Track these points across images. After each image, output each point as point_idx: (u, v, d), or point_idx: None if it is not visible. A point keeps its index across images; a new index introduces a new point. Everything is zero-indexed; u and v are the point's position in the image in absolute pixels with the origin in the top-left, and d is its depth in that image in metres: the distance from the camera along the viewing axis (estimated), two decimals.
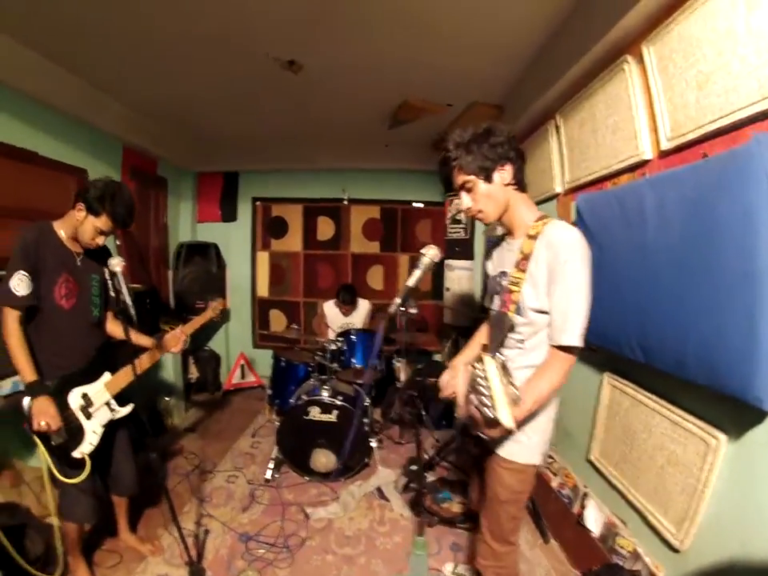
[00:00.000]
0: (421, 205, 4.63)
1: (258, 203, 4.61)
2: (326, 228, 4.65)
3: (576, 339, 1.21)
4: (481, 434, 1.23)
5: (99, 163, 2.98)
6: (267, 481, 2.95)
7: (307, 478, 2.96)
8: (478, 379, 1.09)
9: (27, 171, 2.46)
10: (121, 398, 1.89)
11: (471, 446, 1.68)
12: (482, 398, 1.08)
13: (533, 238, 1.30)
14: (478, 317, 3.52)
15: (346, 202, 4.59)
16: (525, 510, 1.59)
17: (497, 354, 1.24)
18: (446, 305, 4.21)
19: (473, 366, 1.12)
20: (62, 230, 1.76)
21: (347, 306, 3.88)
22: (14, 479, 2.28)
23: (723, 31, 1.32)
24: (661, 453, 1.64)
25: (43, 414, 1.61)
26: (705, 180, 1.31)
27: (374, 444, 3.03)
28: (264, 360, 4.59)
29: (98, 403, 1.81)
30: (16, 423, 1.90)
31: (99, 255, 1.87)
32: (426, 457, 3.16)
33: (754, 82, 1.22)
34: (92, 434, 1.77)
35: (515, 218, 1.37)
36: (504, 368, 1.11)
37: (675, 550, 1.53)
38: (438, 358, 4.46)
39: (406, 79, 2.64)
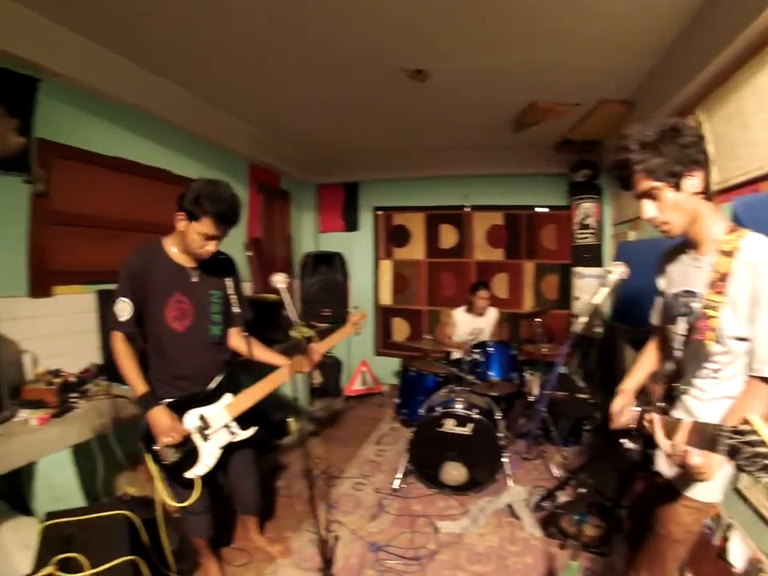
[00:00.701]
0: (545, 209, 4.63)
1: (379, 212, 4.97)
2: (448, 236, 4.85)
3: None
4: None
5: (229, 179, 3.26)
6: (395, 490, 3.11)
7: (435, 490, 3.08)
8: (746, 439, 0.92)
9: (163, 189, 2.78)
10: (245, 419, 1.92)
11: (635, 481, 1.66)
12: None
13: (728, 255, 1.22)
14: (616, 327, 3.42)
15: (468, 209, 4.74)
16: None
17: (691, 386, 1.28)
18: (576, 314, 4.15)
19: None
20: (171, 246, 1.76)
21: (484, 293, 3.92)
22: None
23: None
24: None
25: (162, 428, 1.67)
26: None
27: (505, 459, 3.07)
28: (384, 367, 4.95)
29: (216, 425, 1.83)
30: None
31: (219, 268, 1.87)
32: (556, 475, 3.20)
33: None
34: (208, 456, 1.81)
35: (703, 230, 1.28)
36: None
37: None
38: (562, 370, 4.39)
39: (532, 81, 2.71)
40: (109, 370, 2.33)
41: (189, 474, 1.78)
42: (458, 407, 3.03)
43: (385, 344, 5.13)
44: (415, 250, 4.92)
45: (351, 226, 4.97)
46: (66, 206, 2.28)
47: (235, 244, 3.52)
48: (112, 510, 1.72)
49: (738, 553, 1.99)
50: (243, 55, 2.45)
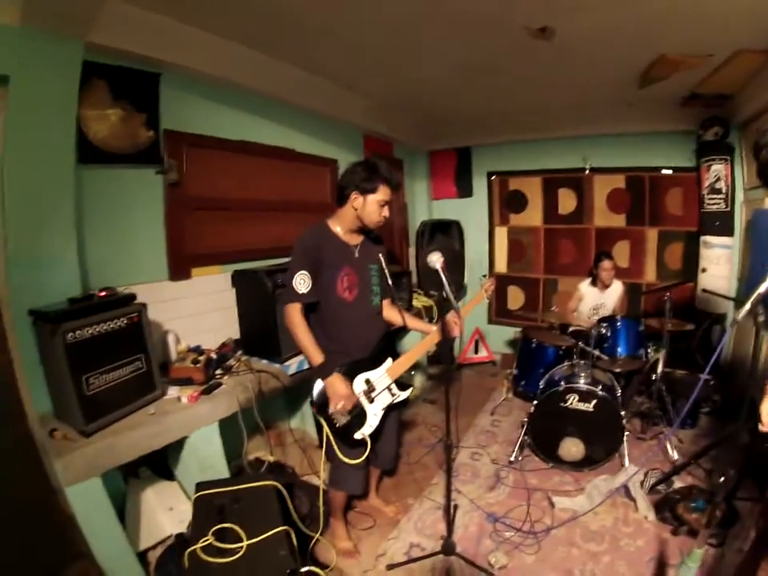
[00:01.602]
0: (670, 171, 3.97)
1: (493, 177, 4.60)
2: (567, 201, 4.37)
3: None
4: None
5: (345, 152, 3.36)
6: (511, 462, 3.02)
7: (551, 464, 2.94)
8: None
9: (288, 168, 2.84)
10: (399, 383, 2.03)
11: None
12: None
13: None
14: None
15: (587, 172, 4.21)
16: None
17: None
18: (702, 287, 3.65)
19: None
20: (337, 226, 1.86)
21: (609, 263, 3.60)
22: (278, 439, 2.66)
23: None
24: None
25: (338, 395, 1.77)
26: None
27: (625, 439, 2.82)
28: (497, 336, 4.73)
29: (379, 388, 1.94)
30: (287, 396, 2.36)
31: (374, 245, 1.98)
32: (672, 458, 2.91)
33: None
34: (373, 416, 1.92)
35: None
36: None
37: None
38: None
39: (661, 33, 2.30)
40: (246, 344, 2.44)
41: (357, 435, 1.87)
42: (582, 382, 2.85)
43: (499, 312, 4.87)
44: (532, 216, 4.50)
45: (465, 192, 4.67)
46: (197, 192, 2.33)
47: None
48: (260, 481, 1.75)
49: None
50: (366, 24, 2.25)
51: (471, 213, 4.70)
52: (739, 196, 3.66)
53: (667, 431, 3.22)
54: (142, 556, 1.84)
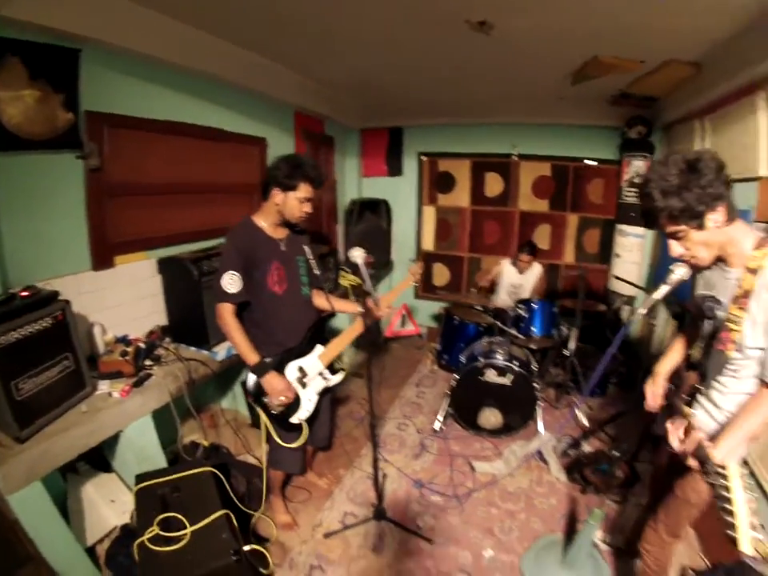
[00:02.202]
0: (594, 162, 4.31)
1: (423, 158, 4.71)
2: (494, 184, 4.60)
3: None
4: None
5: (276, 130, 3.28)
6: (435, 431, 3.28)
7: (472, 432, 3.23)
8: (719, 491, 1.14)
9: (216, 148, 2.70)
10: (332, 365, 2.15)
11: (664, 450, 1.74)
12: (725, 510, 1.13)
13: (753, 272, 1.26)
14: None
15: (515, 158, 4.45)
16: None
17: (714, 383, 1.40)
18: (614, 273, 4.06)
19: (718, 474, 1.15)
20: (262, 221, 1.91)
21: (527, 257, 3.93)
22: (211, 420, 2.72)
23: None
24: None
25: (276, 390, 1.86)
26: None
27: (538, 408, 3.17)
28: (423, 310, 4.95)
29: (312, 374, 2.04)
30: (217, 378, 2.39)
31: (299, 238, 2.05)
32: (582, 424, 3.30)
33: None
34: (308, 401, 2.02)
35: (729, 247, 1.32)
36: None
37: None
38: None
39: (597, 37, 2.44)
40: (174, 330, 2.41)
41: (294, 420, 1.98)
42: (499, 358, 3.10)
43: (425, 288, 5.11)
44: (460, 197, 4.71)
45: (395, 170, 4.75)
46: (121, 177, 2.21)
47: None
48: (196, 468, 1.82)
49: None
50: (305, 3, 2.17)
51: (401, 191, 4.81)
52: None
53: (577, 400, 3.62)
54: (91, 551, 1.87)
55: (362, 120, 4.27)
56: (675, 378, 1.67)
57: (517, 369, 3.04)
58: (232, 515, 1.70)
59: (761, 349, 1.28)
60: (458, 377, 3.19)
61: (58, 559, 1.60)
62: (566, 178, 4.41)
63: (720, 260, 1.38)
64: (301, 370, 2.00)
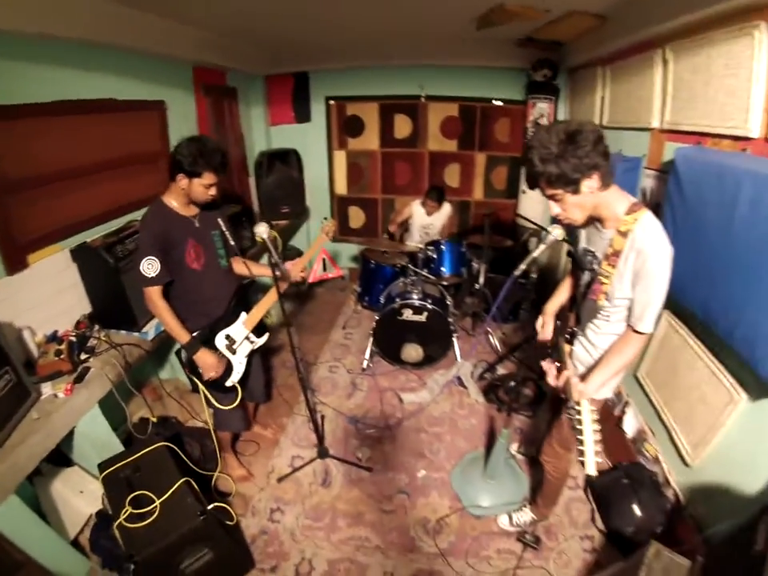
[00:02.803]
0: (500, 103, 4.50)
1: (331, 102, 4.63)
2: (403, 126, 4.68)
3: (651, 328, 1.48)
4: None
5: (174, 90, 3.09)
6: (364, 370, 3.61)
7: (397, 367, 3.60)
8: (575, 423, 1.45)
9: (111, 120, 2.54)
10: (258, 328, 2.28)
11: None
12: (577, 434, 1.44)
13: (623, 235, 1.44)
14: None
15: (423, 99, 4.52)
16: None
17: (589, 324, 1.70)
18: (517, 212, 4.41)
19: (573, 409, 1.46)
20: (172, 201, 1.96)
21: (434, 203, 4.14)
22: (155, 393, 2.85)
23: None
24: (696, 390, 2.03)
25: (208, 366, 2.01)
26: None
27: (455, 338, 3.54)
28: (344, 252, 5.14)
29: (239, 339, 2.18)
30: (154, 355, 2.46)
31: (211, 212, 2.11)
32: (496, 350, 3.75)
33: None
34: (238, 364, 2.18)
35: (603, 212, 1.48)
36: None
37: (686, 465, 2.04)
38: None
39: None
40: (100, 317, 2.41)
41: (228, 383, 2.16)
42: (414, 297, 3.38)
43: (342, 231, 5.24)
44: (369, 140, 4.75)
45: (302, 117, 4.64)
46: (17, 172, 2.04)
47: None
48: (151, 446, 2.00)
49: (630, 424, 2.58)
50: None
51: (310, 138, 4.74)
52: None
53: (490, 327, 4.05)
54: (75, 543, 2.03)
55: (265, 66, 4.07)
56: (561, 315, 1.89)
57: (430, 307, 3.34)
58: (192, 481, 1.92)
59: (627, 299, 1.51)
60: (378, 318, 3.45)
61: (49, 558, 1.75)
62: (474, 118, 4.58)
63: (596, 220, 1.55)
64: (228, 337, 2.14)
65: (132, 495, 1.76)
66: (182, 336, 1.96)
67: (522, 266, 1.77)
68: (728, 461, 1.86)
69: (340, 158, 4.87)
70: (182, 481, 1.86)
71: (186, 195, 1.94)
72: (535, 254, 1.72)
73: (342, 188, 5.02)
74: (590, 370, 1.66)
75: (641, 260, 1.42)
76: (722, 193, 1.76)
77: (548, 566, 2.14)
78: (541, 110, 4.16)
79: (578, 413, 1.45)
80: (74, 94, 2.28)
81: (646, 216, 1.44)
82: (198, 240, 2.02)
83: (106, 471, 1.88)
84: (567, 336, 1.76)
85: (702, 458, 1.99)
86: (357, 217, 5.17)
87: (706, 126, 2.08)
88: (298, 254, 4.73)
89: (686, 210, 2.04)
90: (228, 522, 2.08)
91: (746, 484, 1.73)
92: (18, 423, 1.71)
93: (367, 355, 3.64)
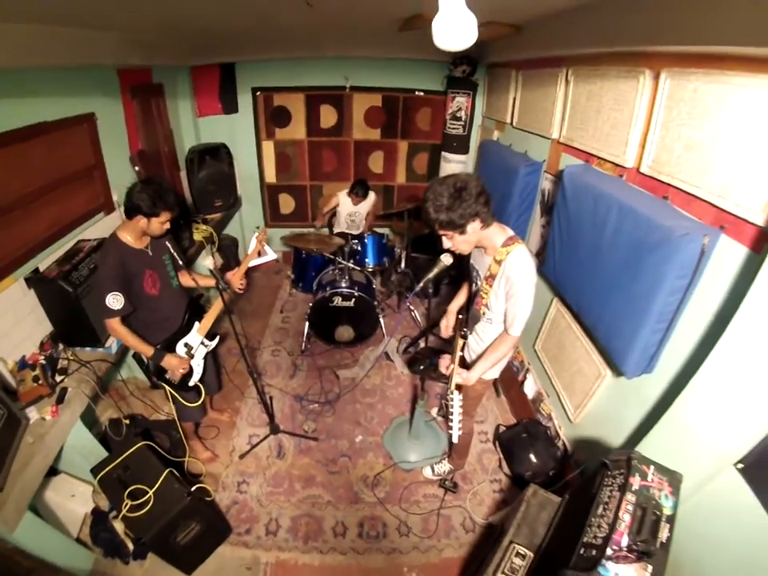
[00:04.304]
0: (422, 93, 4.72)
1: (258, 93, 4.63)
2: (328, 116, 4.81)
3: (519, 332, 1.89)
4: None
5: (102, 99, 3.01)
6: (302, 351, 3.97)
7: (332, 346, 3.97)
8: (450, 404, 1.93)
9: (43, 143, 2.46)
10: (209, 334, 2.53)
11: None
12: (449, 415, 1.93)
13: (498, 263, 1.82)
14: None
15: (347, 90, 4.66)
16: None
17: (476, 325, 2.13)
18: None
19: (449, 393, 1.94)
20: (127, 236, 2.13)
21: (359, 198, 4.47)
22: (118, 394, 3.02)
23: (727, 122, 1.51)
24: (576, 364, 2.51)
25: (175, 366, 2.29)
26: (653, 237, 1.71)
27: (381, 318, 3.95)
28: (275, 236, 5.29)
29: (195, 345, 2.45)
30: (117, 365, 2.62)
31: (160, 238, 2.26)
32: (422, 325, 4.15)
33: (720, 179, 1.54)
34: (197, 366, 2.49)
35: (485, 242, 1.87)
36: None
37: (571, 422, 2.59)
38: None
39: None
40: (63, 336, 2.51)
41: (191, 383, 2.47)
42: (343, 286, 3.71)
43: (273, 217, 5.40)
44: (296, 130, 4.85)
45: (230, 108, 4.62)
46: None
47: (121, 161, 3.26)
48: (132, 446, 2.29)
49: (530, 387, 3.14)
50: None
51: (239, 129, 4.75)
52: (477, 121, 4.60)
53: (412, 304, 4.49)
54: (77, 541, 2.31)
55: (190, 58, 3.96)
56: (461, 314, 2.27)
57: (357, 294, 3.68)
58: (174, 470, 2.25)
59: (501, 310, 1.93)
60: (311, 305, 3.74)
61: (61, 558, 2.03)
62: (396, 107, 4.81)
63: (480, 247, 1.92)
64: (186, 345, 2.42)
65: (128, 490, 2.09)
66: (147, 351, 2.21)
67: (418, 287, 2.12)
68: (598, 420, 2.37)
69: (268, 147, 4.94)
70: (167, 471, 2.21)
71: (141, 231, 2.12)
72: (429, 275, 2.07)
73: (271, 176, 5.12)
74: (480, 357, 2.06)
75: (509, 284, 1.82)
76: (595, 213, 2.09)
77: (465, 504, 2.76)
78: (459, 103, 4.45)
79: (451, 399, 1.93)
80: (4, 125, 2.20)
81: (517, 250, 1.81)
82: (153, 268, 2.24)
83: (100, 474, 2.18)
84: (463, 332, 2.15)
85: (581, 417, 2.49)
86: (287, 203, 5.33)
87: (593, 148, 2.38)
88: (233, 242, 4.89)
89: (568, 221, 2.40)
90: (207, 498, 2.48)
91: (611, 437, 2.25)
92: (17, 449, 1.89)
93: (304, 338, 3.97)
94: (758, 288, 1.30)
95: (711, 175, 1.61)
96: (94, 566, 2.30)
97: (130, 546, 2.35)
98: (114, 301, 2.05)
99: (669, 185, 1.84)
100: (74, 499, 2.36)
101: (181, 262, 2.43)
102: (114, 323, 2.11)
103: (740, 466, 1.44)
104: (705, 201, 1.65)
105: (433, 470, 2.92)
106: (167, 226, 2.16)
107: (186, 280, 2.51)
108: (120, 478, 2.17)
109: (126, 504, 2.06)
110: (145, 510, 2.07)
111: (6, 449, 1.85)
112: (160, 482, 2.16)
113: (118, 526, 2.35)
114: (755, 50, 1.34)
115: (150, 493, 2.11)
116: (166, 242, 2.33)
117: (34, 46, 2.25)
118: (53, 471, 2.35)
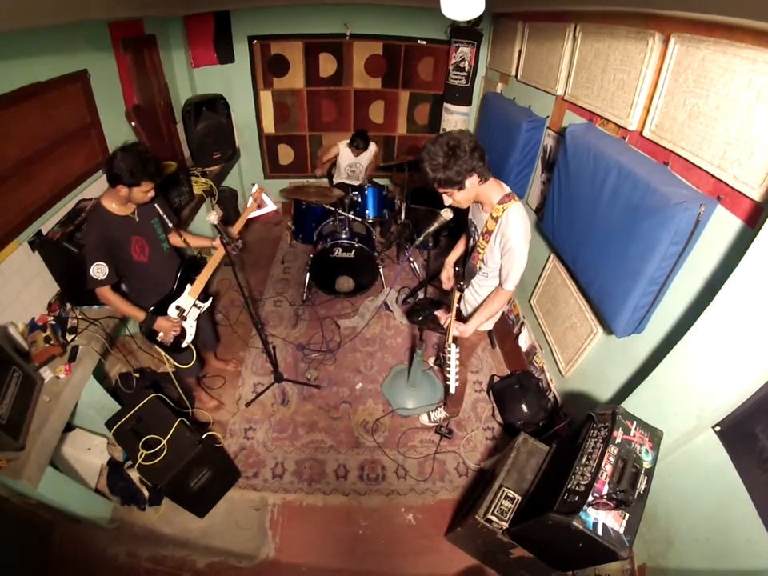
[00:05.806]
0: (425, 42, 4.46)
1: (255, 42, 4.33)
2: (327, 65, 4.55)
3: (513, 287, 1.92)
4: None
5: (94, 55, 2.84)
6: (304, 301, 3.98)
7: (333, 296, 3.98)
8: (447, 356, 1.95)
9: (39, 104, 2.36)
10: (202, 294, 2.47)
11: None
12: (446, 366, 1.98)
13: (495, 219, 1.84)
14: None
15: (347, 38, 4.37)
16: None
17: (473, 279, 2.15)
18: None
19: (447, 346, 1.98)
20: (112, 203, 2.03)
21: (359, 150, 4.32)
22: (125, 349, 2.98)
23: (732, 94, 1.47)
24: (569, 320, 2.53)
25: (167, 328, 2.25)
26: (650, 202, 1.66)
27: (381, 269, 3.93)
28: (274, 188, 5.07)
29: (188, 307, 2.40)
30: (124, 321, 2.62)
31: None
32: (421, 276, 4.13)
33: (720, 150, 1.51)
34: (190, 328, 2.44)
35: (483, 198, 1.87)
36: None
37: (562, 375, 2.63)
38: None
39: None
40: (69, 295, 2.50)
41: (183, 345, 2.44)
42: (343, 237, 3.65)
43: (272, 168, 5.22)
44: (294, 79, 4.58)
45: (226, 57, 4.32)
46: None
47: (116, 118, 3.10)
48: (144, 398, 2.32)
49: (524, 340, 3.18)
50: None
51: (235, 80, 4.48)
52: (481, 72, 4.34)
53: (412, 255, 4.44)
54: (96, 491, 2.41)
55: (182, 7, 3.64)
56: (459, 266, 2.22)
57: (357, 245, 3.62)
58: (185, 419, 2.31)
59: (497, 265, 1.96)
60: (312, 256, 3.69)
61: (83, 508, 2.14)
62: (398, 56, 4.55)
63: (478, 202, 1.94)
64: (178, 308, 2.36)
65: (142, 440, 2.15)
66: (139, 315, 2.18)
67: (418, 241, 2.11)
68: (588, 375, 2.42)
69: (266, 97, 4.70)
70: (178, 420, 2.26)
71: (124, 198, 2.01)
72: (430, 229, 2.06)
73: (269, 127, 4.91)
74: (475, 310, 2.10)
75: (504, 240, 1.84)
76: (595, 174, 2.04)
77: (459, 450, 2.87)
78: (462, 54, 4.20)
79: (449, 351, 1.97)
80: None
81: (513, 207, 1.81)
82: (140, 234, 2.15)
83: (115, 426, 2.23)
84: (459, 285, 2.12)
85: (572, 372, 2.53)
86: (286, 154, 5.14)
87: (597, 107, 2.30)
88: (232, 193, 4.77)
89: (568, 178, 2.35)
90: (217, 445, 2.54)
91: (598, 392, 2.31)
92: (35, 408, 1.94)
93: (305, 288, 3.96)
94: (749, 260, 1.30)
95: (712, 146, 1.57)
96: (113, 513, 2.42)
97: (146, 493, 2.46)
98: (98, 271, 2.00)
99: (670, 151, 1.79)
100: (90, 452, 2.45)
101: (171, 224, 2.31)
102: (104, 291, 2.07)
103: (717, 428, 1.48)
104: (704, 170, 1.61)
105: (429, 417, 3.01)
106: (151, 194, 2.05)
107: (176, 241, 2.40)
108: (134, 430, 2.22)
109: (141, 453, 2.13)
110: (159, 459, 2.14)
111: (24, 409, 1.89)
112: (172, 431, 2.22)
113: (133, 475, 2.45)
114: (766, 24, 1.28)
115: (164, 442, 2.17)
116: (155, 205, 2.22)
117: (18, 6, 2.03)
118: (68, 427, 2.41)
